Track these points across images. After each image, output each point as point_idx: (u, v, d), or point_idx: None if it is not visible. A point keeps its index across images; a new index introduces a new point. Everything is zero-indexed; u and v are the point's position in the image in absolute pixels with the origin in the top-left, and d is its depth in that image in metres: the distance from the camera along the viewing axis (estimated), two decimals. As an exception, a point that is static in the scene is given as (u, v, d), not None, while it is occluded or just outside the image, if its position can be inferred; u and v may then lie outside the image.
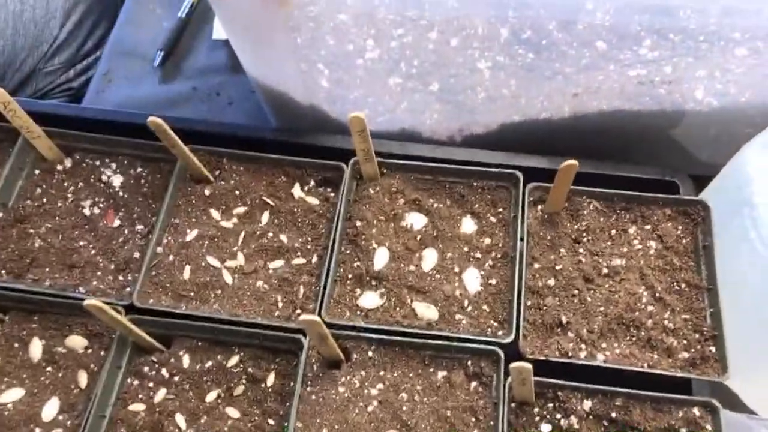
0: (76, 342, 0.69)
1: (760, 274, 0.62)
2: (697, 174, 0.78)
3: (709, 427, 0.61)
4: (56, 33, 1.09)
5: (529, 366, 0.55)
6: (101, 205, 0.77)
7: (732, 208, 0.67)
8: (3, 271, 0.72)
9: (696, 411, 0.61)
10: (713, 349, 0.64)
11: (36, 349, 0.68)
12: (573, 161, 0.64)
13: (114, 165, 0.79)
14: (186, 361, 0.67)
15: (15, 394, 0.66)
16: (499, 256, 0.71)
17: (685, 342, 0.65)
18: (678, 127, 0.79)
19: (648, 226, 0.72)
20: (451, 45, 0.73)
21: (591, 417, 0.62)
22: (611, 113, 0.77)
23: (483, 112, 0.82)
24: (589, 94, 0.76)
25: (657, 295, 0.67)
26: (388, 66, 0.76)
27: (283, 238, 0.73)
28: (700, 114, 0.76)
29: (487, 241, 0.72)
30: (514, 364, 0.56)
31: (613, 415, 0.62)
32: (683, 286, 0.68)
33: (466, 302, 0.68)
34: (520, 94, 0.78)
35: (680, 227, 0.71)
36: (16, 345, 0.69)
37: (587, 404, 0.62)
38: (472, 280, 0.70)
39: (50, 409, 0.66)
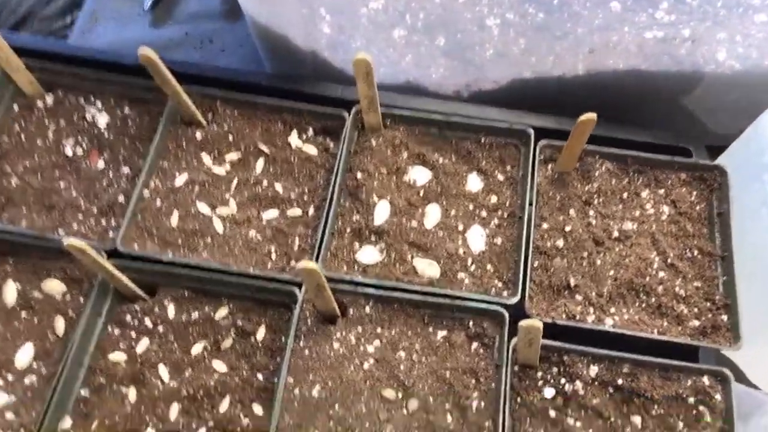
0: (54, 287, 0.64)
1: (779, 240, 0.59)
2: (713, 144, 0.75)
3: (718, 397, 0.59)
4: None
5: (539, 324, 0.52)
6: (84, 146, 0.72)
7: (750, 175, 0.65)
8: (-24, 210, 0.67)
9: (706, 380, 0.59)
10: (725, 318, 0.62)
11: (10, 292, 0.64)
12: (591, 115, 0.61)
13: (99, 104, 0.74)
14: (171, 311, 0.64)
15: (-15, 339, 0.62)
16: (505, 215, 0.68)
17: (696, 310, 0.63)
18: (695, 91, 0.76)
19: (661, 191, 0.69)
20: (459, 0, 0.69)
21: (597, 383, 0.60)
22: (627, 73, 0.74)
23: (491, 69, 0.78)
24: (606, 51, 0.72)
25: (669, 261, 0.65)
26: (393, 17, 0.72)
27: (279, 187, 0.69)
28: (720, 77, 0.72)
29: (494, 199, 0.69)
30: (523, 323, 0.53)
31: (620, 381, 0.59)
32: (696, 253, 0.65)
33: (469, 261, 0.65)
34: (531, 52, 0.75)
35: (695, 193, 0.69)
36: (-11, 288, 0.65)
37: (593, 370, 0.60)
38: (477, 238, 0.67)
39: (24, 356, 0.61)
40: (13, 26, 1.00)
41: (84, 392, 0.60)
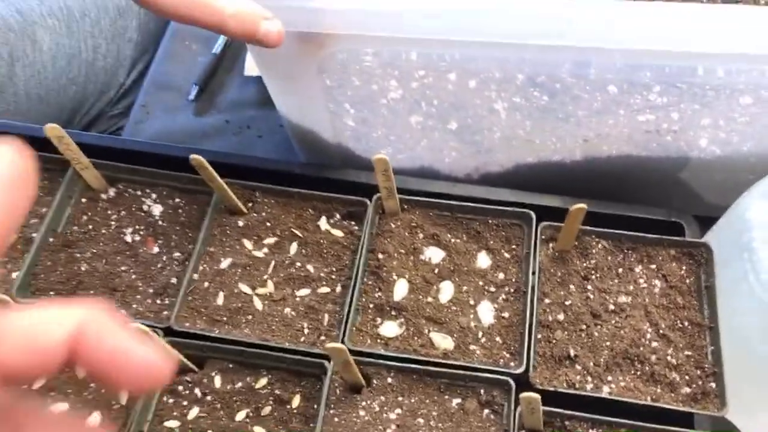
0: (117, 361, 0.74)
1: (757, 316, 0.66)
2: (704, 215, 0.82)
3: (708, 459, 0.64)
4: (123, 80, 1.17)
5: (537, 396, 0.59)
6: (141, 233, 0.83)
7: (733, 252, 0.71)
8: (51, 293, 0.78)
9: (696, 444, 0.65)
10: (713, 384, 0.68)
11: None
12: (582, 205, 0.69)
13: (154, 195, 0.85)
14: (218, 381, 0.72)
15: (60, 407, 0.71)
16: (512, 290, 0.76)
17: (687, 377, 0.69)
18: (684, 172, 0.84)
19: (653, 266, 0.76)
20: (470, 86, 0.78)
21: (596, 447, 0.66)
22: (620, 158, 0.82)
23: (499, 152, 0.87)
24: (600, 140, 0.81)
25: (661, 331, 0.71)
26: (410, 105, 0.82)
27: (310, 267, 0.79)
28: (703, 161, 0.80)
29: (501, 275, 0.77)
30: (523, 395, 0.60)
31: (617, 445, 0.66)
32: (686, 324, 0.72)
33: (480, 333, 0.73)
34: (535, 135, 0.83)
35: (684, 267, 0.75)
36: (62, 362, 0.74)
37: (593, 434, 0.66)
38: (486, 312, 0.74)
39: (92, 423, 0.71)
40: (85, 127, 1.13)
41: (144, 456, 0.69)
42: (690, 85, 0.73)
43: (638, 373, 0.70)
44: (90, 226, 0.83)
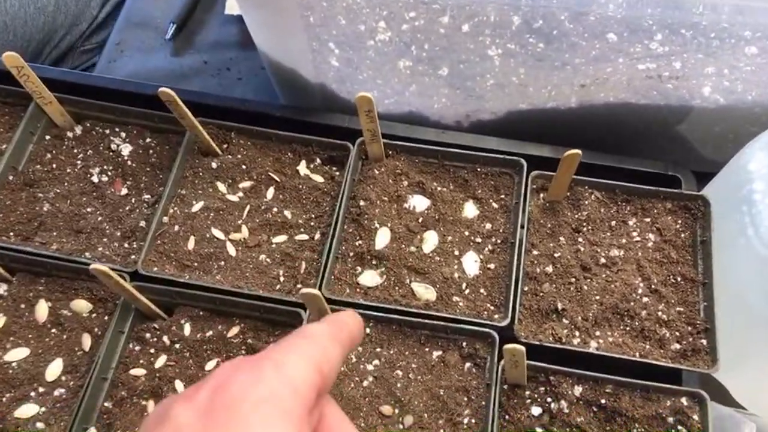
0: (81, 306, 0.70)
1: (754, 270, 0.63)
2: (702, 170, 0.79)
3: (695, 417, 0.62)
4: (96, 13, 1.10)
5: (521, 348, 0.56)
6: (109, 173, 0.78)
7: (731, 205, 0.68)
8: (12, 234, 0.73)
9: (684, 401, 0.63)
10: (705, 341, 0.65)
11: (42, 310, 0.70)
12: (576, 150, 0.65)
13: (123, 134, 0.80)
14: (187, 329, 0.69)
15: (20, 353, 0.68)
16: (499, 241, 0.72)
17: (677, 334, 0.66)
18: (684, 123, 0.80)
19: (648, 219, 0.73)
20: (463, 30, 0.73)
21: (581, 402, 0.64)
22: (618, 106, 0.78)
23: (491, 99, 0.82)
24: (597, 86, 0.76)
25: (653, 286, 0.68)
26: (399, 49, 0.77)
27: (287, 213, 0.74)
28: (706, 110, 0.76)
29: (488, 226, 0.73)
30: (507, 346, 0.57)
31: (603, 401, 0.63)
32: (679, 279, 0.69)
33: (464, 285, 0.70)
34: (529, 82, 0.79)
35: (680, 221, 0.72)
36: (23, 306, 0.70)
37: (578, 389, 0.64)
38: (471, 263, 0.71)
39: (54, 370, 0.67)
40: (55, 61, 1.07)
41: (107, 404, 0.66)
42: (694, 33, 0.69)
43: (627, 328, 0.67)
44: (54, 165, 0.78)
